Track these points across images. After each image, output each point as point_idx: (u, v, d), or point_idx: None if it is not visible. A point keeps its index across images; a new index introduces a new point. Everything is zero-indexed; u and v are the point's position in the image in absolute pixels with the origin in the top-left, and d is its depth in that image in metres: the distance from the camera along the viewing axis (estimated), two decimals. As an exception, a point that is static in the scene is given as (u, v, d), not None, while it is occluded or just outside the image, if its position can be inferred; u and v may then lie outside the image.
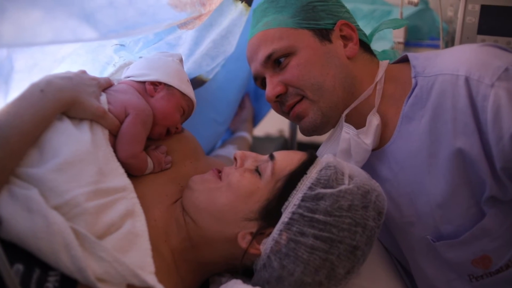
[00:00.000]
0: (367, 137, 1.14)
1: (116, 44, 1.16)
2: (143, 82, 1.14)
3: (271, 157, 1.05)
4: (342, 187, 0.98)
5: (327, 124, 1.18)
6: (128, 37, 1.11)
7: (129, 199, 0.95)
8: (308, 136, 1.24)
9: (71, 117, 0.97)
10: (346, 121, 1.17)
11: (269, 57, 1.16)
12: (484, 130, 0.98)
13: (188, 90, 1.19)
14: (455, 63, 1.04)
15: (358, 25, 1.24)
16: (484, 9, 1.36)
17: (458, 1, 1.43)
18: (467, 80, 1.00)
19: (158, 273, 0.89)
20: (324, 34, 1.17)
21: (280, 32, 1.16)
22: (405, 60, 1.20)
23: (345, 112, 1.16)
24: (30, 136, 0.89)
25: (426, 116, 1.07)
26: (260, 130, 2.14)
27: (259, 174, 1.03)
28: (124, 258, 0.85)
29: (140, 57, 1.23)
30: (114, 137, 1.04)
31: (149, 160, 1.09)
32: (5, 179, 0.84)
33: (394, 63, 1.25)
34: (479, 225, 1.03)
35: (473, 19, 1.39)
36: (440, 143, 1.05)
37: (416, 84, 1.10)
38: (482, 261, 1.05)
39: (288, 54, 1.15)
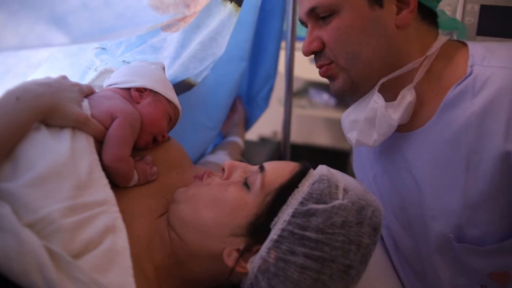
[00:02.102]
0: (396, 112, 1.09)
1: (97, 48, 1.12)
2: (128, 89, 1.10)
3: (261, 169, 0.99)
4: (336, 203, 0.93)
5: (356, 91, 1.13)
6: (106, 41, 1.06)
7: (110, 213, 0.90)
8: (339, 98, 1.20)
9: (51, 126, 0.92)
10: (379, 90, 1.11)
11: (312, 10, 1.08)
12: None
13: (173, 97, 1.16)
14: None
15: None
16: (484, 9, 1.32)
17: (456, 1, 1.39)
18: None
19: None
20: None
21: None
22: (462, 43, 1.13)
23: (381, 81, 1.10)
24: (2, 147, 0.84)
25: (474, 108, 1.00)
26: (254, 132, 2.11)
27: (248, 187, 0.97)
28: (103, 279, 0.81)
29: (123, 61, 1.19)
30: (100, 143, 1.00)
31: (134, 171, 1.05)
32: None
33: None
34: (509, 241, 0.98)
35: (472, 20, 1.35)
36: (487, 141, 0.99)
37: (471, 73, 1.03)
38: (501, 276, 1.02)
39: (332, 12, 1.06)
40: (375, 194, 1.12)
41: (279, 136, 2.31)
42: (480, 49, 1.06)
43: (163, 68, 1.20)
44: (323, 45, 1.09)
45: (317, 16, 1.08)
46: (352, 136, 1.18)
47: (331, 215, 0.91)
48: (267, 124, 2.24)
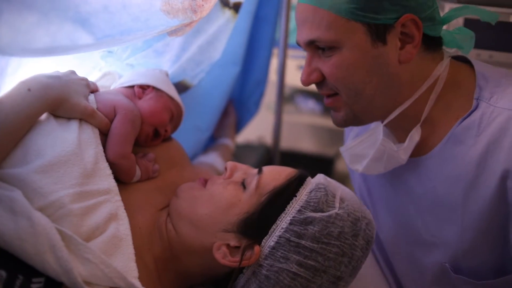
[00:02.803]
0: (405, 153, 1.07)
1: (104, 51, 1.15)
2: (132, 87, 1.15)
3: (260, 171, 1.03)
4: (333, 212, 0.96)
5: (359, 123, 1.12)
6: (123, 44, 1.09)
7: (113, 202, 0.94)
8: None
9: (59, 117, 0.96)
10: (387, 124, 1.09)
11: (312, 42, 1.03)
12: None
13: (176, 96, 1.20)
14: None
15: (435, 8, 1.02)
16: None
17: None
18: None
19: (141, 280, 0.88)
20: (379, 33, 0.99)
21: (329, 19, 0.99)
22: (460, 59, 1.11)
23: (385, 122, 1.08)
24: (14, 135, 0.88)
25: (478, 146, 0.99)
26: (241, 137, 2.14)
27: (244, 187, 1.01)
28: (110, 261, 0.85)
29: (127, 64, 1.23)
30: (104, 136, 1.03)
31: (136, 167, 1.08)
32: None
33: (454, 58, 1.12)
34: (504, 278, 1.00)
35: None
36: (486, 179, 0.98)
37: (476, 107, 1.01)
38: None
39: (333, 47, 1.01)
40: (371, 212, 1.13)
41: (265, 141, 2.35)
42: (489, 82, 1.03)
43: (167, 74, 1.25)
44: (323, 77, 1.05)
45: (316, 47, 1.04)
46: (356, 167, 1.17)
47: (327, 225, 0.94)
48: (254, 129, 2.26)
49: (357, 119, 1.09)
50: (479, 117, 0.99)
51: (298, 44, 1.09)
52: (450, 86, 1.05)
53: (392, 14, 0.97)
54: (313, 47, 1.04)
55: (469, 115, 1.01)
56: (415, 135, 1.06)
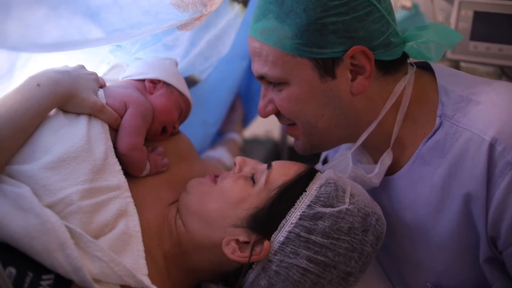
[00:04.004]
0: (377, 177, 1.06)
1: (113, 45, 1.15)
2: (143, 80, 1.14)
3: (269, 166, 1.03)
4: (343, 207, 0.95)
5: (320, 150, 1.13)
6: (133, 38, 1.09)
7: (123, 198, 0.94)
8: None
9: (67, 112, 0.96)
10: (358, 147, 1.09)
11: (261, 76, 1.03)
12: (489, 204, 0.92)
13: (185, 90, 1.20)
14: (486, 121, 0.94)
15: (390, 32, 0.98)
16: (477, 15, 1.38)
17: (449, 6, 1.44)
18: (491, 147, 0.91)
19: (151, 277, 0.88)
20: (327, 67, 0.97)
21: (275, 55, 0.98)
22: (426, 66, 1.08)
23: (352, 149, 1.08)
24: (23, 131, 0.88)
25: (442, 168, 0.98)
26: (248, 131, 2.14)
27: (253, 182, 1.01)
28: (119, 259, 0.85)
29: (136, 58, 1.22)
30: (114, 131, 1.03)
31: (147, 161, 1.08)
32: None
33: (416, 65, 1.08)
34: None
35: (466, 25, 1.40)
36: (451, 203, 0.98)
37: (439, 126, 0.99)
38: None
39: (282, 82, 1.01)
40: None
41: (273, 136, 2.35)
42: (451, 97, 1.00)
43: (176, 64, 1.23)
44: (278, 110, 1.06)
45: (268, 81, 1.04)
46: None
47: (338, 220, 0.94)
48: (261, 123, 2.26)
49: (316, 148, 1.11)
50: (443, 137, 0.98)
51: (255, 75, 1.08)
52: (416, 102, 1.03)
53: (339, 47, 0.95)
54: (264, 80, 1.04)
55: (434, 133, 0.99)
56: (386, 160, 1.05)
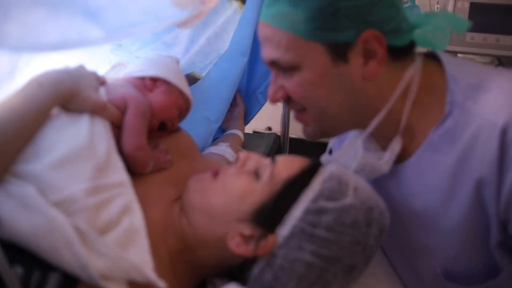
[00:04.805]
0: (387, 164, 1.06)
1: (113, 44, 1.16)
2: (143, 78, 1.14)
3: (273, 161, 1.04)
4: (346, 201, 0.95)
5: (330, 136, 1.12)
6: (133, 37, 1.10)
7: (126, 195, 0.94)
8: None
9: (70, 111, 0.96)
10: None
11: (273, 62, 1.02)
12: (501, 188, 0.92)
13: (186, 88, 1.20)
14: (497, 107, 0.93)
15: (400, 18, 0.98)
16: (474, 6, 1.38)
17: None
18: (503, 132, 0.90)
19: (156, 272, 0.88)
20: (340, 51, 0.96)
21: (288, 39, 0.97)
22: (434, 56, 1.07)
23: (363, 136, 1.08)
24: (26, 132, 0.88)
25: (453, 154, 0.98)
26: (249, 127, 2.14)
27: (257, 176, 1.01)
28: (126, 255, 0.85)
29: (136, 57, 1.23)
30: (116, 128, 1.04)
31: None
32: None
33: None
34: (492, 282, 1.01)
35: (463, 16, 1.41)
36: (461, 188, 0.98)
37: (449, 113, 0.98)
38: None
39: (294, 67, 1.00)
40: None
41: (274, 131, 2.34)
42: (461, 84, 1.00)
43: (177, 62, 1.24)
44: (288, 95, 1.05)
45: (279, 66, 1.02)
46: None
47: (341, 213, 0.94)
48: (262, 119, 2.25)
49: (326, 133, 1.11)
50: (454, 124, 0.98)
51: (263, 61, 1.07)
52: (424, 89, 1.03)
53: (352, 31, 0.94)
54: (275, 66, 1.03)
55: (444, 121, 0.99)
56: (396, 147, 1.05)
